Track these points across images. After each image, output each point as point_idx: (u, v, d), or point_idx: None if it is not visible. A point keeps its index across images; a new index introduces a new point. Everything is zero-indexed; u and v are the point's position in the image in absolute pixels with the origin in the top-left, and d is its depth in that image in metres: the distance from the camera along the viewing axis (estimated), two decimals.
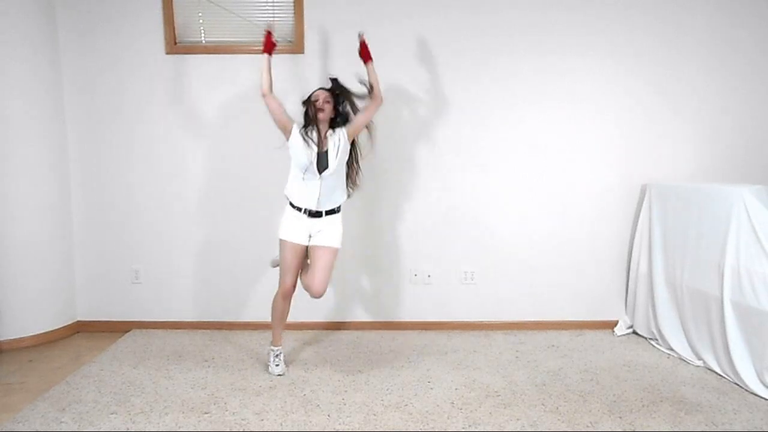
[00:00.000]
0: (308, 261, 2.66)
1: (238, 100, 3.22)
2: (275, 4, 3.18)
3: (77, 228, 3.33)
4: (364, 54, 2.66)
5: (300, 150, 2.50)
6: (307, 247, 2.60)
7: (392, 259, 3.33)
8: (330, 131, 2.56)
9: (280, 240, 2.59)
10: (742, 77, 3.25)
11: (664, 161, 3.29)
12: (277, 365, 2.66)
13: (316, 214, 2.56)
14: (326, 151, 2.53)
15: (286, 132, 2.57)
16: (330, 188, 2.56)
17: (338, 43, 3.17)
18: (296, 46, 3.17)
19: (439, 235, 3.32)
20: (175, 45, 3.19)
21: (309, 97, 2.57)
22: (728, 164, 3.31)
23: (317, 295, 2.58)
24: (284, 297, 2.63)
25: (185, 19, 3.20)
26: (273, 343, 2.71)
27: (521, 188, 3.29)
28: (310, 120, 2.54)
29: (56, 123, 3.18)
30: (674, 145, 3.28)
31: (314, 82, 3.17)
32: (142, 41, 3.17)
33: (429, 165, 3.26)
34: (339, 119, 2.60)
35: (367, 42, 2.67)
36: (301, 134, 2.51)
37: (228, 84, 3.20)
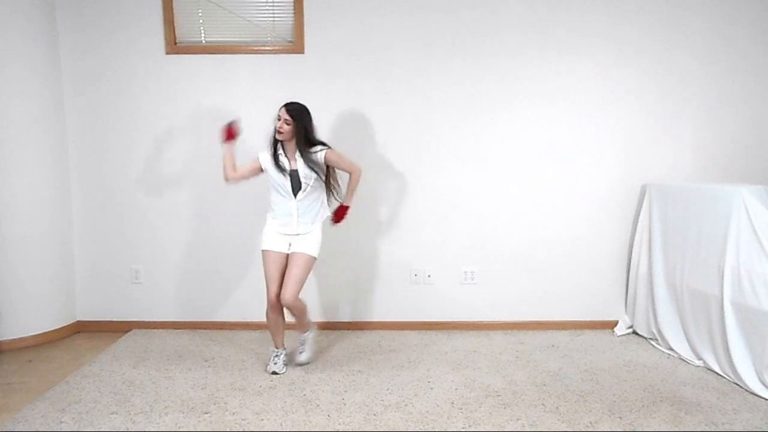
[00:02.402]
0: None
1: (238, 100, 3.22)
2: (275, 4, 3.19)
3: (77, 228, 3.33)
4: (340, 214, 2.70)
5: (274, 174, 2.55)
6: (288, 255, 2.62)
7: (392, 259, 3.33)
8: (298, 152, 2.53)
9: (262, 251, 2.62)
10: (742, 77, 3.25)
11: (664, 161, 3.29)
12: (275, 363, 2.67)
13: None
14: (296, 171, 2.54)
15: (261, 169, 2.62)
16: (307, 208, 2.58)
17: (338, 42, 3.17)
18: (296, 46, 3.17)
19: (439, 235, 3.32)
20: (175, 45, 3.19)
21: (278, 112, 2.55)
22: (728, 164, 3.31)
23: (286, 303, 2.55)
24: (272, 309, 2.61)
25: (185, 19, 3.20)
26: (274, 345, 2.73)
27: (521, 188, 3.29)
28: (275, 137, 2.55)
29: (56, 123, 3.18)
30: (674, 145, 3.28)
31: (314, 82, 3.18)
32: (142, 41, 3.18)
33: (429, 165, 3.26)
34: (303, 138, 2.52)
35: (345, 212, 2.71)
36: (275, 161, 2.55)
37: (228, 84, 3.20)
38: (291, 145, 2.55)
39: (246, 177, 2.65)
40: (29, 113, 3.02)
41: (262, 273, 3.31)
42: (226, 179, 2.63)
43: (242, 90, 3.21)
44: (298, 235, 2.60)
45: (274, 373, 2.65)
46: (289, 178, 2.54)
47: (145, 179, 3.28)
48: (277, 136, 2.51)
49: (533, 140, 3.26)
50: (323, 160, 2.57)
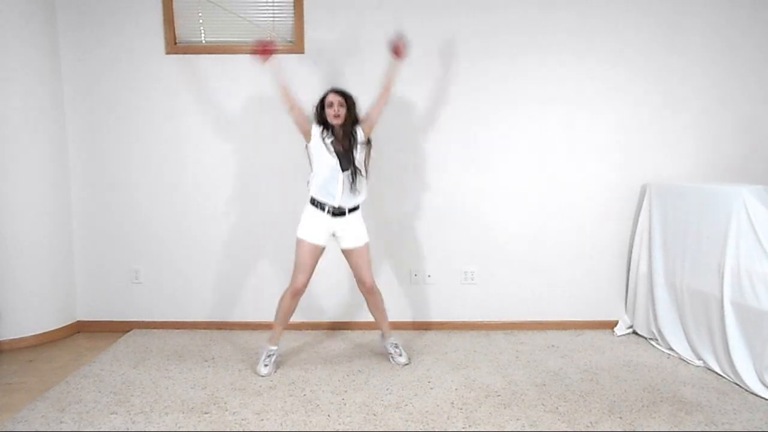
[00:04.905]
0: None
1: (238, 100, 3.22)
2: (275, 4, 3.19)
3: (77, 228, 3.33)
4: (398, 51, 2.61)
5: (322, 154, 2.55)
6: (324, 248, 2.65)
7: (392, 259, 3.33)
8: (348, 133, 2.59)
9: (298, 238, 2.61)
10: (742, 78, 3.25)
11: (664, 161, 3.29)
12: (266, 365, 2.65)
13: (338, 213, 2.59)
14: (346, 151, 2.57)
15: (308, 136, 2.61)
16: (351, 186, 2.59)
17: (338, 42, 3.17)
18: (296, 46, 3.17)
19: (439, 235, 3.32)
20: (175, 45, 3.19)
21: (323, 100, 2.58)
22: (728, 164, 3.31)
23: (369, 286, 2.70)
24: (294, 295, 2.63)
25: (185, 19, 3.20)
26: (271, 342, 2.70)
27: (521, 188, 3.29)
28: (325, 121, 2.58)
29: (56, 123, 3.18)
30: (674, 145, 3.28)
31: (314, 82, 3.17)
32: (142, 41, 3.18)
33: (429, 165, 3.26)
34: (353, 119, 2.60)
35: (404, 45, 2.61)
36: (323, 140, 2.55)
37: (228, 84, 3.20)
38: (339, 129, 2.57)
39: (300, 122, 2.60)
40: (29, 113, 3.02)
41: (264, 272, 3.33)
42: (288, 109, 2.61)
43: (242, 90, 3.20)
44: (343, 217, 2.60)
45: (265, 375, 2.62)
46: (338, 159, 2.54)
47: (145, 179, 3.28)
48: (336, 121, 2.53)
49: (533, 140, 3.26)
50: (363, 134, 2.62)
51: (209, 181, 3.27)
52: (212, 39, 3.22)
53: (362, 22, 3.16)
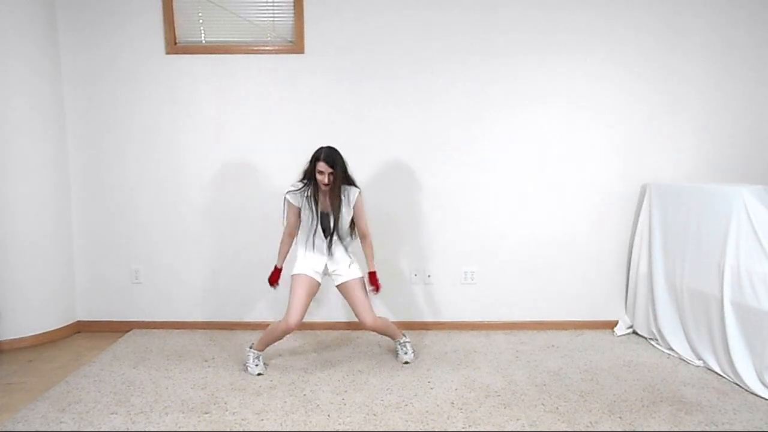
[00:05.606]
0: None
1: (238, 100, 3.22)
2: (275, 4, 3.19)
3: (77, 228, 3.33)
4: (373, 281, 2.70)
5: (306, 216, 2.56)
6: (319, 285, 2.63)
7: (392, 259, 3.33)
8: (335, 195, 2.52)
9: (292, 275, 2.60)
10: (742, 78, 3.25)
11: (664, 161, 3.29)
12: (256, 365, 2.66)
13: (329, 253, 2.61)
14: (329, 214, 2.55)
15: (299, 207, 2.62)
16: (336, 242, 2.61)
17: (338, 42, 3.17)
18: (296, 46, 3.17)
19: (439, 235, 3.32)
20: (175, 45, 3.19)
21: (314, 162, 2.49)
22: (728, 164, 3.31)
23: (369, 328, 2.63)
24: (284, 332, 2.55)
25: (185, 19, 3.20)
26: (256, 348, 2.70)
27: (521, 188, 3.29)
28: (312, 179, 2.52)
29: (56, 123, 3.18)
30: (674, 145, 3.28)
31: (314, 82, 3.18)
32: (142, 41, 3.18)
33: (429, 165, 3.26)
34: (342, 180, 2.52)
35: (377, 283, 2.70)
36: (306, 200, 2.53)
37: (228, 84, 3.20)
38: (327, 189, 2.53)
39: (295, 223, 2.65)
40: (29, 113, 3.02)
41: (264, 273, 3.33)
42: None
43: (242, 90, 3.21)
44: (333, 256, 2.62)
45: (260, 374, 2.64)
46: (319, 219, 2.56)
47: (145, 179, 3.28)
48: (324, 188, 2.50)
49: (533, 140, 3.25)
50: (354, 202, 2.58)
51: (209, 180, 3.27)
52: (212, 39, 3.22)
53: (362, 22, 3.16)
